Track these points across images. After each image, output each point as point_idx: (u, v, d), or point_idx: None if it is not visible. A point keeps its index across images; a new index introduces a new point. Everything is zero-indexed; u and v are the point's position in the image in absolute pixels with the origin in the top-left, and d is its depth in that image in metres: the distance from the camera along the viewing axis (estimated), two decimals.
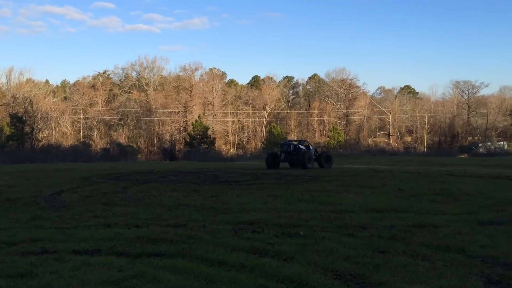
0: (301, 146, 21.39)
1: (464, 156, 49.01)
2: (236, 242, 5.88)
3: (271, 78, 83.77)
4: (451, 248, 5.55)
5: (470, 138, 68.30)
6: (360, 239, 6.13)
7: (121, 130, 63.10)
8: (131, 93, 69.44)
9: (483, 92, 73.58)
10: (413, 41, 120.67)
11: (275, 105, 75.41)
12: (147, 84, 70.01)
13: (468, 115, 70.21)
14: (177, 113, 64.56)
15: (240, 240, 5.99)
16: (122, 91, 72.27)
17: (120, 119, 64.90)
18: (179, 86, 68.54)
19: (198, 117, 56.52)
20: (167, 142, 59.34)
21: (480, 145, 58.86)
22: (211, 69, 75.22)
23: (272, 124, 65.92)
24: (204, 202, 9.62)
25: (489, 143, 59.21)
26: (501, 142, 62.52)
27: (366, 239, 6.06)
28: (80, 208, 8.88)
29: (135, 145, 56.60)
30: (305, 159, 20.04)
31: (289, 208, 8.75)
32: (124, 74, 76.27)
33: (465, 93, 73.03)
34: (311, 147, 21.96)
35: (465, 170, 18.83)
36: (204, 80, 72.35)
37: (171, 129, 61.85)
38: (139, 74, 72.98)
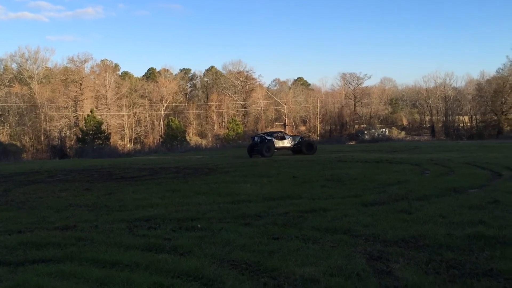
0: (268, 138, 24.74)
1: (352, 143, 52.82)
2: (131, 240, 5.67)
3: (168, 70, 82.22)
4: (338, 230, 5.94)
5: (357, 126, 73.73)
6: (256, 227, 6.27)
7: (1, 128, 57.17)
8: (12, 86, 63.07)
9: (367, 83, 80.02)
10: (304, 34, 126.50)
11: (172, 98, 74.12)
12: (30, 77, 63.99)
13: (355, 104, 75.64)
14: (66, 107, 60.34)
15: (135, 238, 5.79)
16: (1, 84, 65.38)
17: (0, 116, 58.75)
18: (67, 78, 63.87)
19: (91, 111, 53.35)
20: (56, 139, 55.22)
21: (365, 132, 63.95)
22: (102, 60, 71.36)
23: (170, 117, 64.67)
24: (97, 201, 9.13)
25: (373, 130, 64.58)
26: (383, 129, 68.54)
27: (262, 227, 6.22)
28: None
29: (19, 144, 51.76)
30: (263, 149, 23.59)
31: (187, 202, 8.67)
32: (3, 66, 68.99)
33: (351, 84, 78.58)
34: (287, 137, 25.68)
35: (353, 156, 20.31)
36: (95, 73, 68.39)
37: (60, 125, 57.62)
38: (20, 66, 66.49)
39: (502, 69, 61.30)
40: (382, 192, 9.06)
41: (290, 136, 26.38)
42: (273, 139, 24.95)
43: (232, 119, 62.58)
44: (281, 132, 28.72)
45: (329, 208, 7.47)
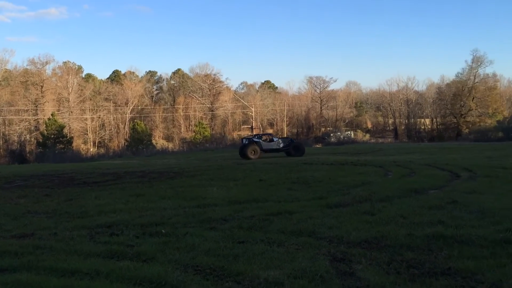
0: (256, 140, 25.52)
1: (319, 145, 53.55)
2: (92, 247, 5.51)
3: (133, 73, 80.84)
4: (303, 232, 5.97)
5: (323, 129, 74.74)
6: (221, 231, 6.23)
7: None
8: None
9: (333, 86, 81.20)
10: (271, 37, 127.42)
11: (138, 101, 73.01)
12: None
13: (321, 107, 76.68)
14: (26, 111, 58.35)
15: (96, 245, 5.64)
16: None
17: None
18: (27, 81, 61.86)
19: (52, 114, 51.82)
20: (15, 144, 53.27)
21: (331, 135, 64.94)
22: (64, 62, 69.44)
23: (135, 120, 63.64)
24: (57, 207, 8.84)
25: (338, 133, 65.66)
26: (349, 132, 69.82)
27: (227, 231, 6.19)
28: None
29: None
30: (247, 151, 24.59)
31: (152, 207, 8.53)
32: None
33: (318, 88, 79.64)
34: (275, 139, 26.45)
35: (318, 159, 20.57)
36: (57, 75, 66.48)
37: (19, 129, 55.68)
38: None
39: (461, 74, 63.66)
40: (346, 194, 9.19)
41: (279, 138, 27.21)
42: (261, 141, 25.45)
43: (199, 122, 62.21)
44: (270, 134, 29.44)
45: (294, 211, 7.51)
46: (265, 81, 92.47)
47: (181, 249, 5.34)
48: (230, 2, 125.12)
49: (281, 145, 25.64)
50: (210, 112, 72.26)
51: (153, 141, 59.74)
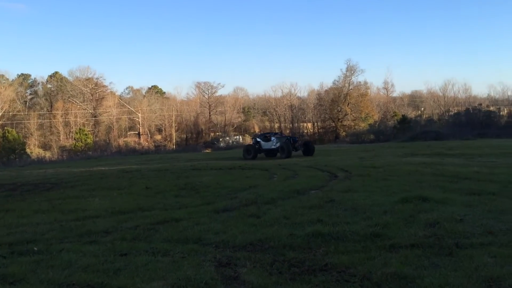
0: (258, 139, 24.54)
1: (208, 150, 53.65)
2: None
3: (3, 76, 73.16)
4: (189, 239, 5.90)
5: (212, 134, 75.20)
6: (102, 244, 5.89)
7: None
8: None
9: (221, 92, 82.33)
10: (158, 41, 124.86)
11: (9, 106, 66.25)
12: None
13: (210, 113, 77.12)
14: None
15: None
16: None
17: None
18: None
19: None
20: None
21: (220, 140, 65.63)
22: None
23: (6, 128, 57.50)
24: None
25: (227, 138, 66.64)
26: (237, 136, 71.22)
27: (108, 244, 5.86)
28: None
29: None
30: (244, 151, 24.44)
31: (23, 222, 7.75)
32: None
33: (206, 93, 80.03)
34: (272, 138, 24.41)
35: (207, 164, 20.60)
36: None
37: None
38: None
39: (337, 81, 68.86)
40: (233, 198, 9.32)
41: (276, 137, 24.78)
42: (261, 140, 24.06)
43: (81, 129, 58.36)
44: (273, 133, 28.05)
45: (181, 218, 7.39)
46: (152, 86, 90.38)
47: (56, 267, 4.92)
48: (112, 1, 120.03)
49: (278, 145, 23.56)
50: (93, 118, 68.32)
51: (28, 150, 54.60)
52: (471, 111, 51.24)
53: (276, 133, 27.63)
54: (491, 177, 10.88)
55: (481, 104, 57.34)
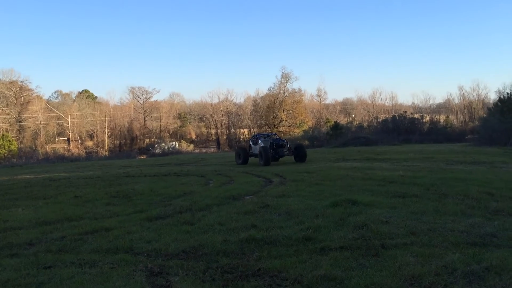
0: (250, 143, 22.61)
1: (143, 157, 52.31)
2: None
3: None
4: (120, 249, 5.70)
5: (147, 140, 73.55)
6: (25, 257, 5.53)
7: None
8: None
9: (156, 97, 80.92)
10: (89, 44, 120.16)
11: None
12: None
13: (144, 118, 75.43)
14: None
15: None
16: None
17: None
18: None
19: None
20: None
21: (156, 146, 64.27)
22: None
23: None
24: None
25: (163, 144, 65.41)
26: (173, 142, 70.14)
27: (32, 257, 5.52)
28: None
29: None
30: (235, 155, 22.83)
31: None
32: None
33: (141, 98, 78.21)
34: (260, 141, 21.69)
35: (141, 171, 20.07)
36: None
37: None
38: None
39: (273, 88, 70.25)
40: (167, 205, 9.14)
41: (262, 139, 21.96)
42: (252, 144, 21.92)
43: (3, 135, 54.58)
44: (269, 133, 24.81)
45: (112, 227, 7.12)
46: (83, 90, 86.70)
47: None
48: (49, 7, 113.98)
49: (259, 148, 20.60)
50: (18, 124, 64.24)
51: None
52: (397, 118, 54.29)
53: (268, 134, 24.00)
54: (414, 180, 11.56)
55: (406, 112, 60.81)
